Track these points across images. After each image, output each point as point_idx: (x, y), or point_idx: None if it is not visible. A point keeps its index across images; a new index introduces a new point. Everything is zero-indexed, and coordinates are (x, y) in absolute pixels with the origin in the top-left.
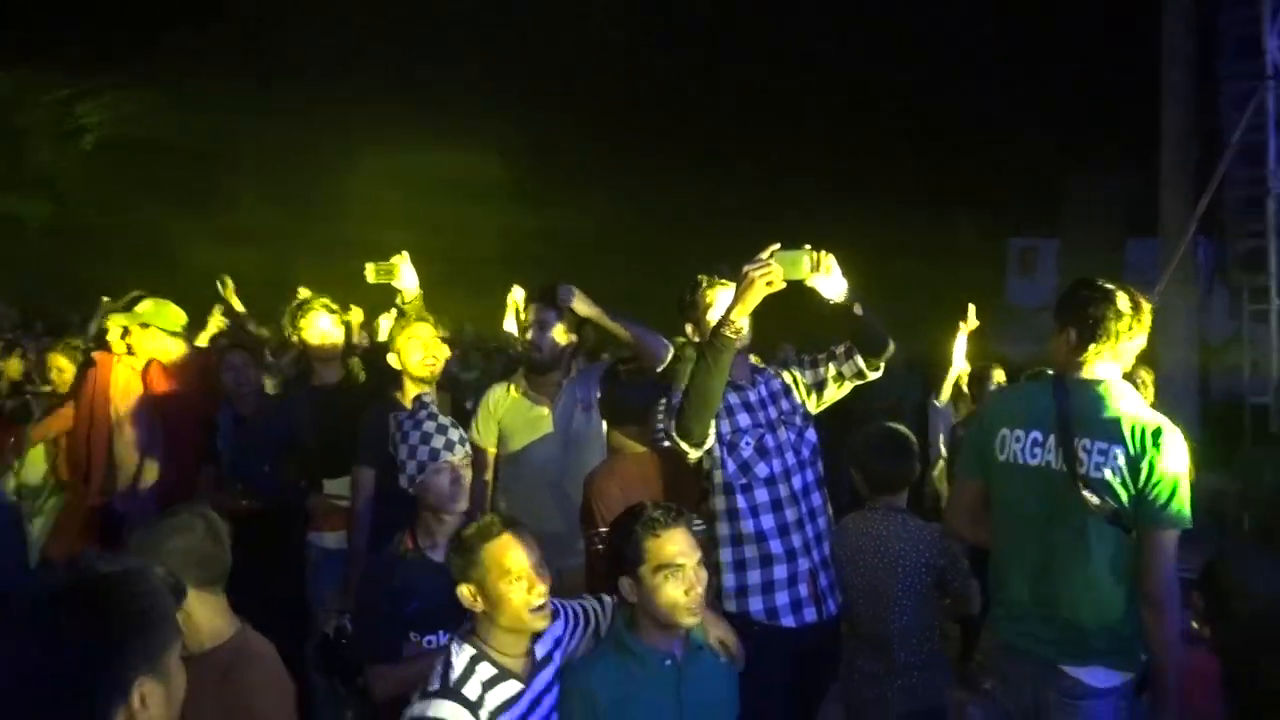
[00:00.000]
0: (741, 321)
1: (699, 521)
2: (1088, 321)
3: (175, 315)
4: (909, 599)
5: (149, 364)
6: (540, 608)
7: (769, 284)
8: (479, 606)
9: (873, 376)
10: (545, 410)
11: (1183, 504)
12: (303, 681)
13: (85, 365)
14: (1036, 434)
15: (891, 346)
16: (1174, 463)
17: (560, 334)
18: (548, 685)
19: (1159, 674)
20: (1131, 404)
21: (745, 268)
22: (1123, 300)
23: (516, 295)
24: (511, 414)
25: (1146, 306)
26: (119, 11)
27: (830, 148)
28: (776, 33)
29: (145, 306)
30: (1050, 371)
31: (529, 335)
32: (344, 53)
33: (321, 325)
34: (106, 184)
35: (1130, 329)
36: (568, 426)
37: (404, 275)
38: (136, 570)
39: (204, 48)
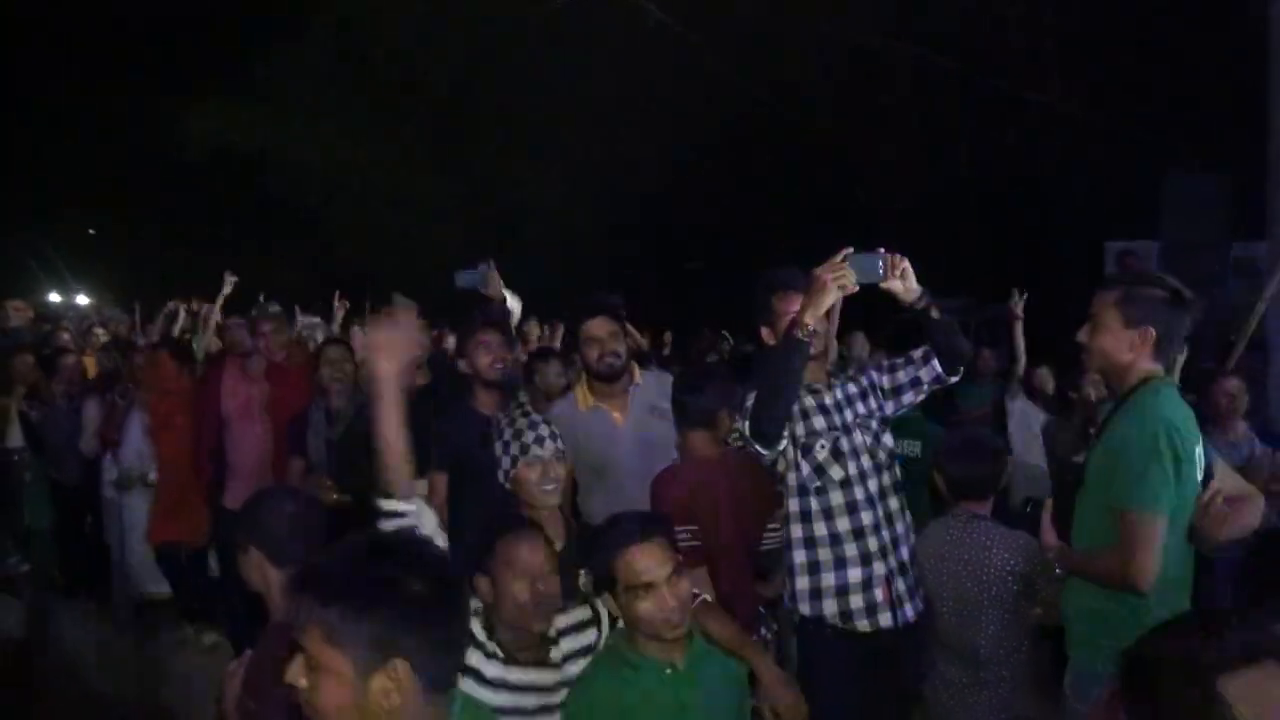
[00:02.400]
0: (814, 323)
1: (689, 532)
2: (1166, 321)
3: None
4: (996, 608)
5: (269, 363)
6: (539, 609)
7: (841, 287)
8: (489, 599)
9: (953, 381)
10: (618, 417)
11: None
12: None
13: (207, 362)
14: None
15: (969, 351)
16: None
17: (623, 341)
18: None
19: None
20: None
21: (817, 270)
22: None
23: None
24: (585, 427)
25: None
26: (219, 30)
27: (913, 144)
28: (849, 28)
29: (275, 309)
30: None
31: (601, 348)
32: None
33: None
34: (212, 194)
35: None
36: (641, 434)
37: (492, 283)
38: None
39: (299, 63)
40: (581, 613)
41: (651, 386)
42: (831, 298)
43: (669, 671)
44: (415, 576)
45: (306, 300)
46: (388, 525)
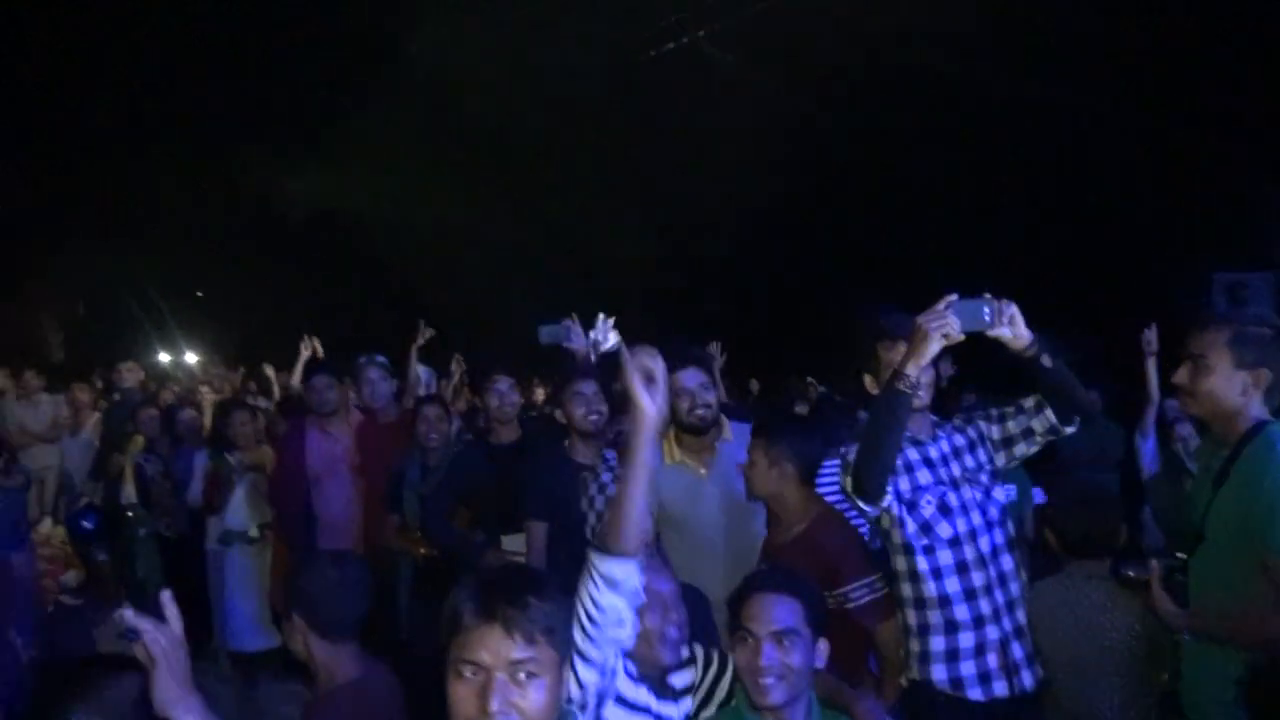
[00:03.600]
0: (916, 374)
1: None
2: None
3: None
4: (1119, 676)
5: (360, 420)
6: (665, 639)
7: (944, 336)
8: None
9: (1068, 432)
10: (703, 473)
11: None
12: None
13: (291, 421)
14: None
15: (1086, 401)
16: None
17: (713, 393)
18: None
19: None
20: None
21: (919, 318)
22: None
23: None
24: (669, 481)
25: None
26: (313, 96)
27: (1015, 180)
28: (948, 62)
29: (381, 360)
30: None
31: (691, 400)
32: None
33: (500, 389)
34: (311, 255)
35: None
36: (726, 491)
37: (575, 337)
38: None
39: (390, 124)
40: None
41: (741, 442)
42: (935, 347)
43: None
44: None
45: (397, 354)
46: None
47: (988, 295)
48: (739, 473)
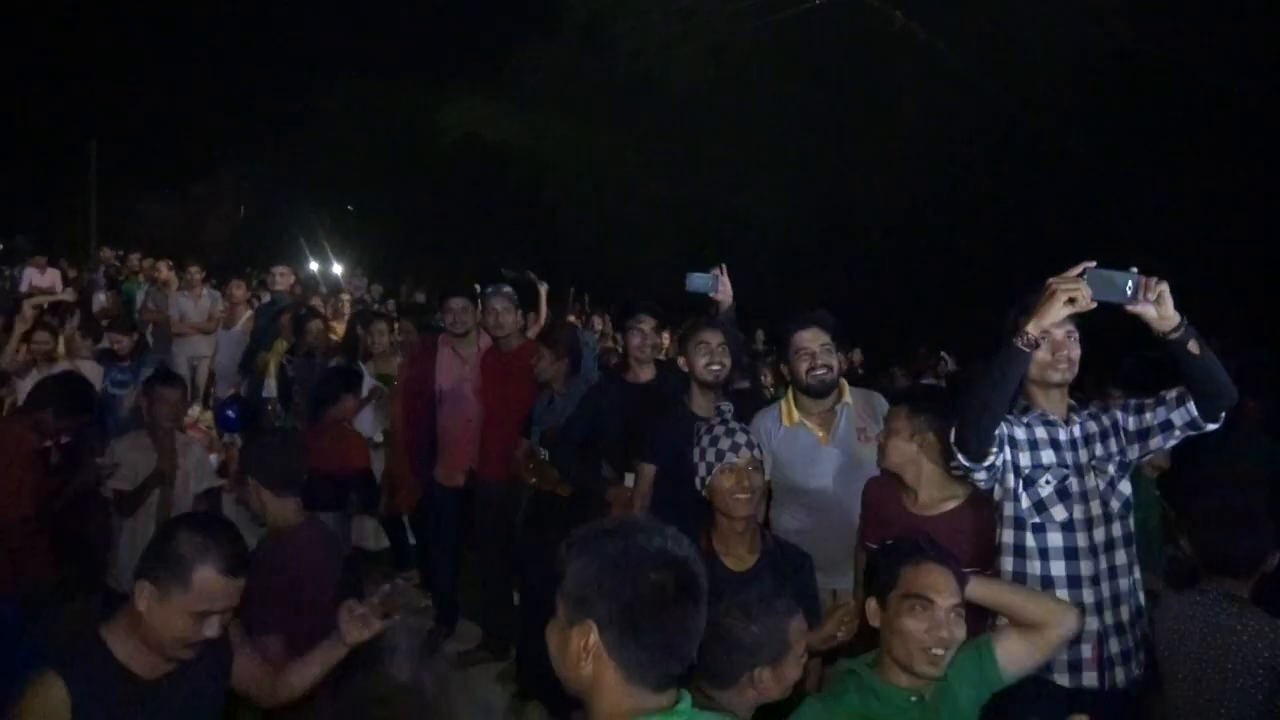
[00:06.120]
0: (1036, 333)
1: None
2: None
3: None
4: (1242, 704)
5: (487, 345)
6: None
7: (1072, 301)
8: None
9: (1210, 428)
10: (822, 435)
11: None
12: None
13: (425, 337)
14: None
15: (1235, 397)
16: None
17: (835, 356)
18: None
19: None
20: None
21: (1050, 279)
22: None
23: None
24: (787, 443)
25: None
26: (474, 29)
27: (1175, 160)
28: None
29: (507, 290)
30: None
31: (812, 360)
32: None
33: (644, 329)
34: (457, 179)
35: None
36: (844, 456)
37: (722, 288)
38: None
39: (545, 60)
40: None
41: (861, 407)
42: (1060, 309)
43: (914, 699)
44: (660, 566)
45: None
46: None
47: (1134, 269)
48: (860, 440)
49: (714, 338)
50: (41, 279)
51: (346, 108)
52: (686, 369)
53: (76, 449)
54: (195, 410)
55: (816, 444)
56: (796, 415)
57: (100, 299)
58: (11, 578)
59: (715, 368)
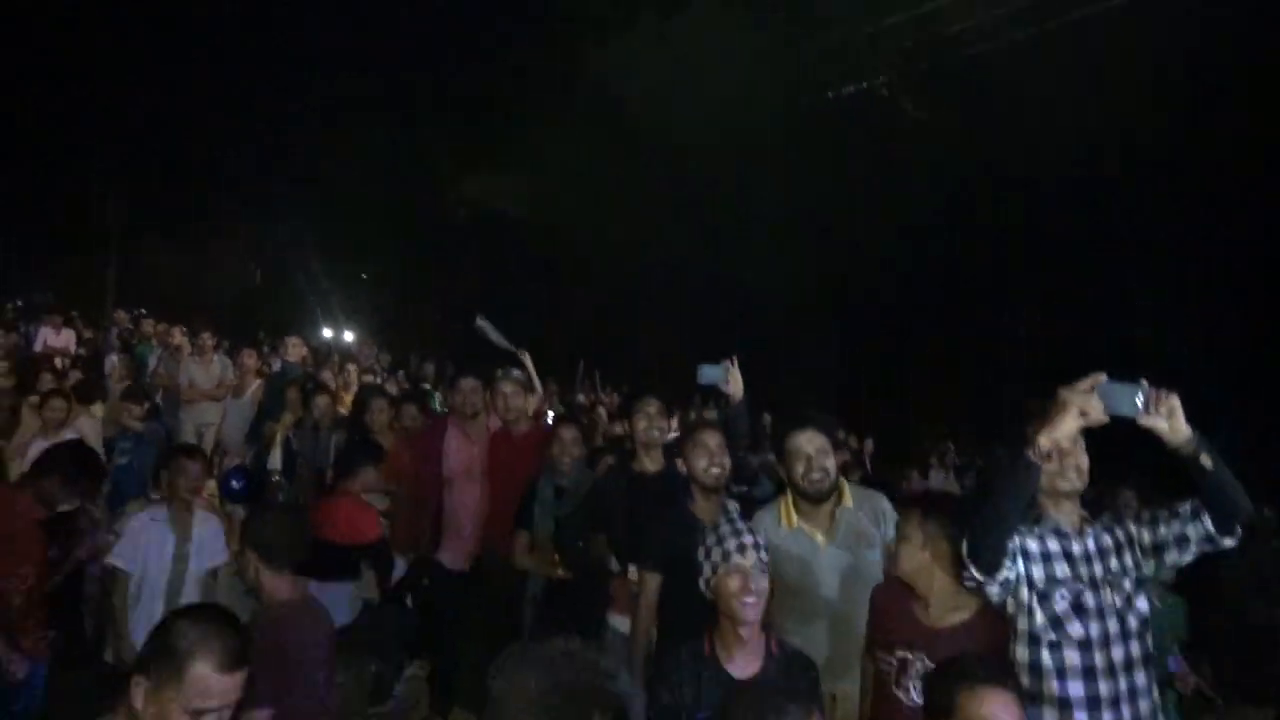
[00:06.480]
0: (1049, 446)
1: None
2: None
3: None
4: None
5: (497, 428)
6: None
7: (1083, 415)
8: None
9: (1227, 545)
10: (820, 539)
11: None
12: None
13: (435, 420)
14: None
15: (1250, 509)
16: None
17: (832, 458)
18: None
19: None
20: None
21: (1061, 390)
22: None
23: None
24: (785, 546)
25: None
26: (488, 103)
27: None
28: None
29: (517, 375)
30: None
31: (807, 464)
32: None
33: (649, 412)
34: (475, 251)
35: None
36: (843, 561)
37: (733, 381)
38: None
39: (562, 131)
40: None
41: (862, 509)
42: (1072, 423)
43: None
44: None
45: (554, 360)
46: None
47: (1143, 381)
48: (860, 544)
49: (713, 439)
50: (57, 339)
51: (359, 171)
52: (685, 471)
53: (73, 519)
54: None
55: (816, 548)
56: (795, 518)
57: (112, 360)
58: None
59: (715, 470)
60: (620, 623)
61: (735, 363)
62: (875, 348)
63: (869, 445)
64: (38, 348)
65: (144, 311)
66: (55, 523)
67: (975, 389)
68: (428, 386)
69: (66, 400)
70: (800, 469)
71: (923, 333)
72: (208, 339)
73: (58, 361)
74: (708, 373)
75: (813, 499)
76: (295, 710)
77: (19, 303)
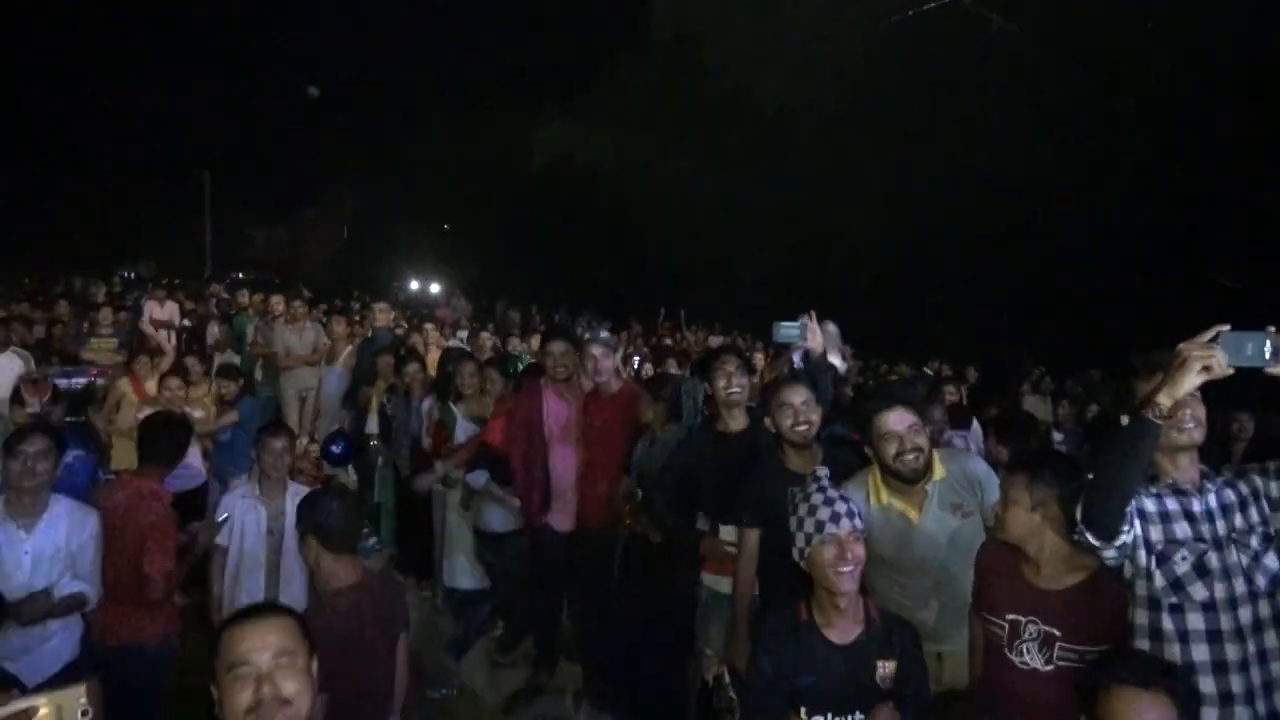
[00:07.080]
0: (1168, 404)
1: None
2: None
3: None
4: None
5: (589, 390)
6: None
7: (1206, 369)
8: None
9: None
10: (914, 516)
11: None
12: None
13: (530, 383)
14: None
15: None
16: None
17: (924, 434)
18: None
19: None
20: None
21: (1181, 345)
22: None
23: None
24: (876, 522)
25: None
26: (565, 53)
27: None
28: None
29: (605, 335)
30: None
31: (900, 444)
32: None
33: (728, 369)
34: (550, 201)
35: None
36: (939, 535)
37: (812, 335)
38: None
39: (636, 81)
40: None
41: (955, 478)
42: (1193, 378)
43: None
44: None
45: (622, 310)
46: None
47: (1272, 329)
48: (956, 516)
49: (796, 396)
50: (161, 311)
51: (445, 131)
52: (774, 429)
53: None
54: (304, 441)
55: (909, 524)
56: (885, 495)
57: (214, 331)
58: (151, 628)
59: (802, 428)
60: (715, 581)
61: (814, 317)
62: (963, 286)
63: (971, 373)
64: (145, 320)
65: (240, 276)
66: (178, 505)
67: (1070, 328)
68: (514, 350)
69: (185, 382)
70: (892, 450)
71: (1007, 272)
72: (299, 306)
73: (164, 334)
74: (784, 330)
75: (908, 479)
76: (350, 697)
77: (129, 274)
